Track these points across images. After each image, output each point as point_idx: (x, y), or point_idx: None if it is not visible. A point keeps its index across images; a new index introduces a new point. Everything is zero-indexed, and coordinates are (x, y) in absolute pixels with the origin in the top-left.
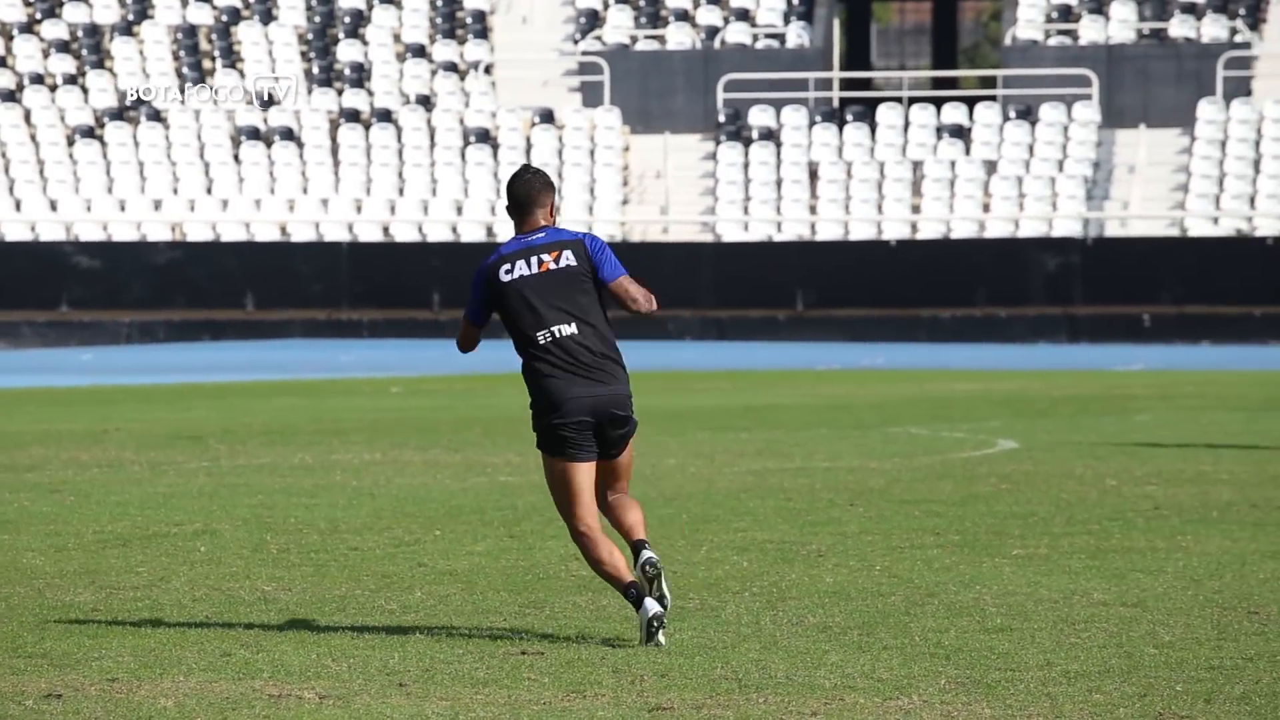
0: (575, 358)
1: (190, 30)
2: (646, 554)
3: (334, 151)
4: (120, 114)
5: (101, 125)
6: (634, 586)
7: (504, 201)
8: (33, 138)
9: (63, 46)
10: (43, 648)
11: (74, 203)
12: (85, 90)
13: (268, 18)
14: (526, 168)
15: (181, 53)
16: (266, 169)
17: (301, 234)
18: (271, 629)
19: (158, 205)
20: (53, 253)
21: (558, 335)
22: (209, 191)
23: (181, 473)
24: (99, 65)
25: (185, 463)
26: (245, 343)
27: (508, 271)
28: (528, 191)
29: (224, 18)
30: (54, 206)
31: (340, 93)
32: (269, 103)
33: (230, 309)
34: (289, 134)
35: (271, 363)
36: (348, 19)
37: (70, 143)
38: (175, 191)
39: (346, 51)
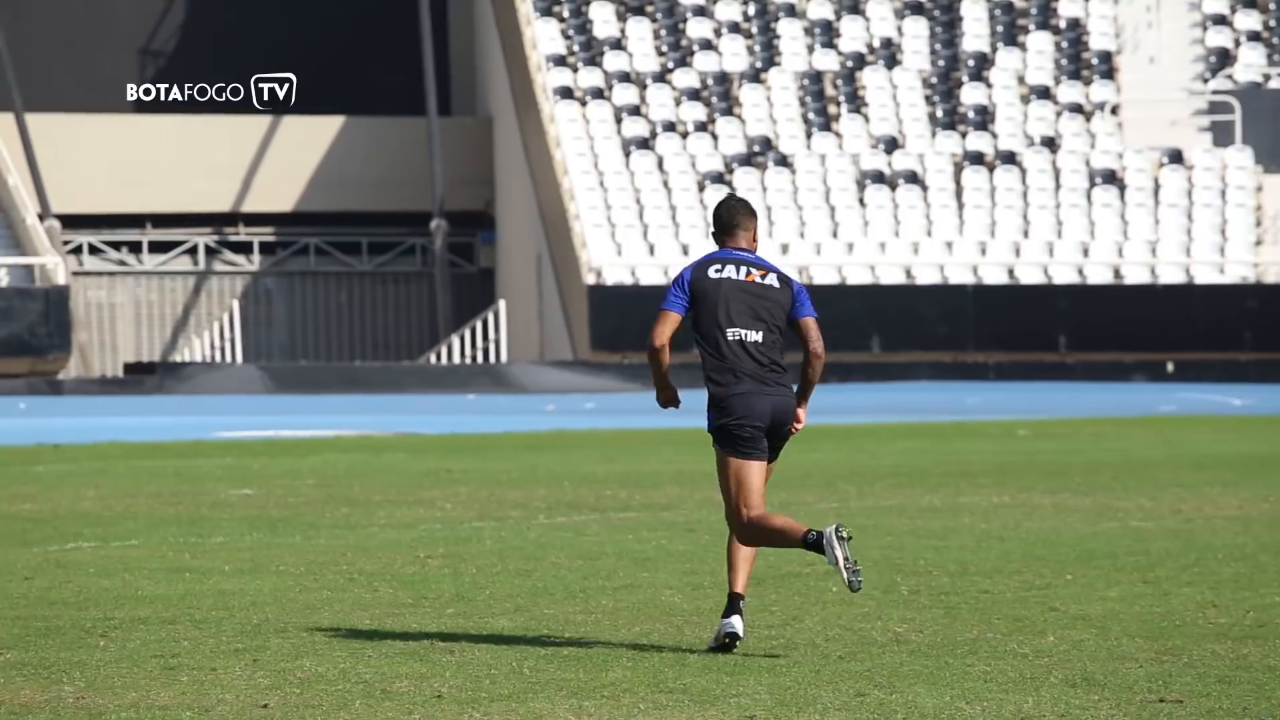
0: (756, 362)
1: (816, 76)
2: (735, 621)
3: (958, 194)
4: (748, 160)
5: (730, 171)
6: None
7: (1124, 242)
8: (665, 184)
9: (693, 95)
10: (682, 683)
11: (704, 247)
12: (715, 137)
13: (892, 62)
14: (732, 195)
15: (808, 99)
16: (891, 212)
17: (926, 277)
18: (904, 671)
19: (784, 249)
20: None
21: (744, 338)
22: (834, 235)
23: (810, 513)
24: (728, 112)
25: (814, 503)
26: (871, 385)
27: (717, 271)
28: (732, 215)
29: (849, 64)
30: (685, 251)
31: (964, 135)
32: (893, 146)
33: (856, 351)
34: (913, 177)
35: (897, 405)
36: (971, 62)
37: (700, 188)
38: (801, 235)
39: (970, 94)
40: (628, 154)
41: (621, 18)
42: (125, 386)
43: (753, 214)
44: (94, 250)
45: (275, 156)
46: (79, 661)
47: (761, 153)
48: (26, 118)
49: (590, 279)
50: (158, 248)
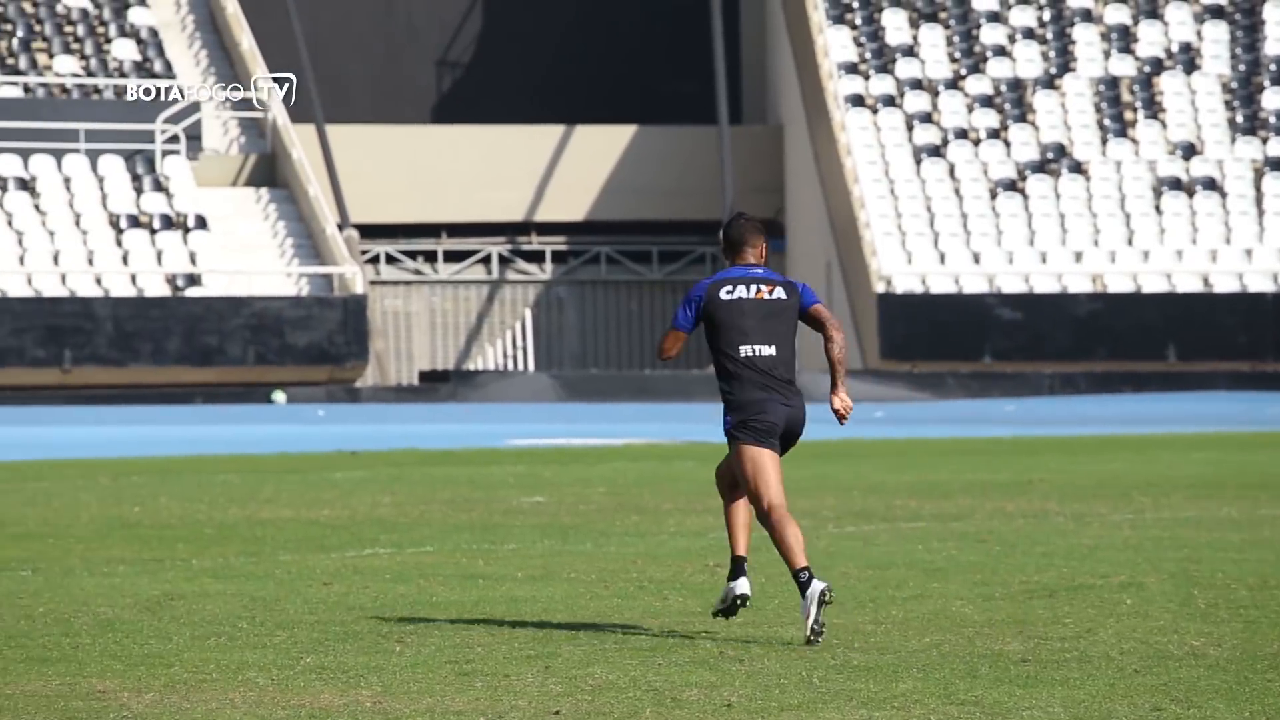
0: (770, 374)
1: (1111, 82)
2: (817, 585)
3: (1258, 201)
4: (1042, 167)
5: (1023, 178)
6: (739, 560)
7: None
8: (956, 191)
9: (986, 101)
10: (974, 695)
11: (996, 255)
12: (1008, 144)
13: (1190, 67)
14: (740, 214)
15: (1103, 104)
16: (1188, 219)
17: (1224, 284)
18: (1202, 686)
19: (1078, 257)
20: (976, 305)
21: (758, 353)
22: (1129, 243)
23: (1105, 525)
24: (1021, 119)
25: (1108, 515)
26: (1167, 395)
27: (729, 292)
28: (741, 234)
29: (1146, 68)
30: (976, 259)
31: (1265, 141)
32: (1191, 153)
33: (1152, 360)
34: (1211, 184)
35: (1194, 415)
36: (1273, 66)
37: (993, 196)
38: (1096, 243)
39: (1272, 99)
40: (919, 161)
41: (914, 24)
42: (420, 394)
43: (761, 231)
44: (390, 260)
45: (568, 166)
46: (375, 666)
47: (1055, 159)
48: (327, 129)
49: (880, 287)
50: (452, 257)
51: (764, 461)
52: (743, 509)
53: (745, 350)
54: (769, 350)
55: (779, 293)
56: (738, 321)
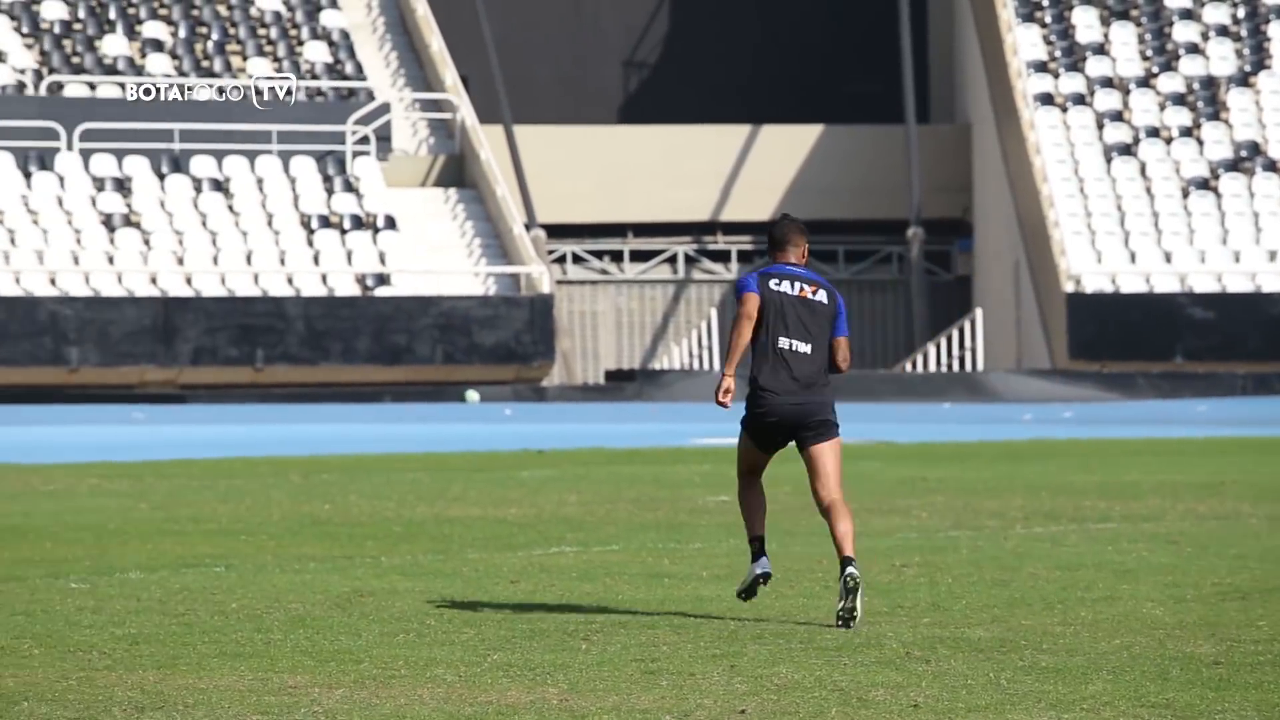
0: (800, 369)
1: None
2: (850, 570)
3: None
4: (1235, 165)
5: (1216, 177)
6: (759, 540)
7: None
8: (1148, 190)
9: (1178, 99)
10: (1165, 698)
11: (1188, 254)
12: (1200, 142)
13: None
14: (786, 216)
15: None
16: None
17: None
18: None
19: (1272, 256)
20: (1167, 304)
21: (794, 347)
22: None
23: None
24: (1214, 117)
25: None
26: None
27: (776, 284)
28: (785, 233)
29: None
30: (1168, 258)
31: None
32: None
33: None
34: None
35: None
36: None
37: (1185, 194)
38: None
39: None
40: (1109, 160)
41: (1105, 22)
42: (606, 393)
43: (804, 232)
44: (577, 259)
45: (754, 165)
46: (562, 664)
47: (1249, 158)
48: (515, 129)
49: (1069, 287)
50: (638, 256)
51: (754, 457)
52: (755, 492)
53: (784, 343)
54: (805, 347)
55: (821, 295)
56: (781, 315)
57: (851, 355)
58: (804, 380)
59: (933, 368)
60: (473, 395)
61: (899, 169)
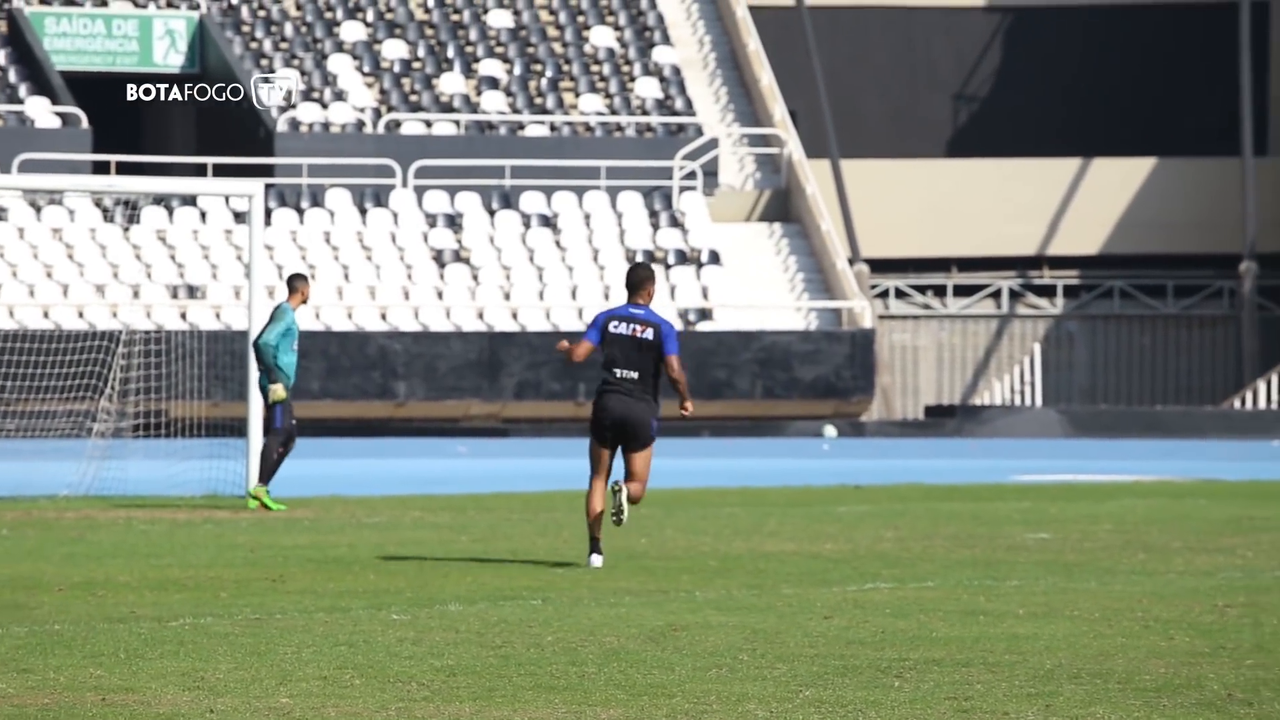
0: (629, 391)
1: None
2: (621, 488)
3: None
4: None
5: None
6: (597, 541)
7: None
8: None
9: None
10: None
11: None
12: None
13: None
14: (640, 263)
15: None
16: None
17: None
18: None
19: None
20: None
21: (624, 375)
22: None
23: None
24: None
25: None
26: None
27: (615, 325)
28: (638, 278)
29: None
30: None
31: None
32: None
33: None
34: None
35: None
36: None
37: None
38: None
39: None
40: None
41: None
42: (925, 429)
43: (651, 278)
44: (899, 294)
45: (1083, 199)
46: (874, 701)
47: None
48: (841, 164)
49: None
50: (961, 291)
51: (598, 453)
52: (599, 495)
53: (619, 372)
54: (633, 374)
55: (648, 334)
56: (617, 350)
57: (681, 366)
58: (636, 390)
59: (1262, 404)
60: (830, 431)
61: (1233, 202)
